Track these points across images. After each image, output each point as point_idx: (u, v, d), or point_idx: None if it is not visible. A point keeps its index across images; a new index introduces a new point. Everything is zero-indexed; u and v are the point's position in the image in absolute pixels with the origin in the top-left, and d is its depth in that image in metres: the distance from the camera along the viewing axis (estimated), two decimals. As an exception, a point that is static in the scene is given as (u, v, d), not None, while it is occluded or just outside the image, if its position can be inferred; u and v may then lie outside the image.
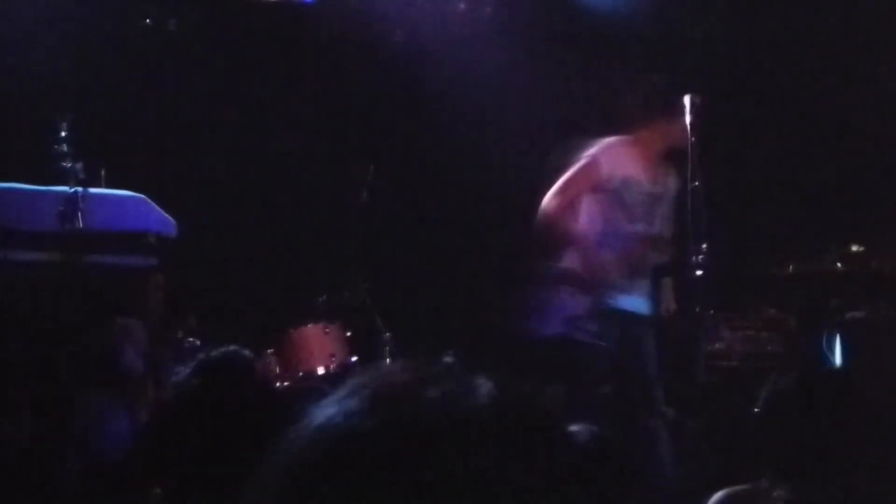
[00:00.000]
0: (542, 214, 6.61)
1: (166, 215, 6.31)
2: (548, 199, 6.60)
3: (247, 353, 3.36)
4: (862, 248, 7.54)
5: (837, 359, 6.73)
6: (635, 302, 6.55)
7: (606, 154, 6.61)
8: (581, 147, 6.66)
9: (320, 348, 7.36)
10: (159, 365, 5.62)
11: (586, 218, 6.61)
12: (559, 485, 1.09)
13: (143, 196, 6.29)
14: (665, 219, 6.65)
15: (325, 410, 1.12)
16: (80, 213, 5.73)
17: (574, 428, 2.70)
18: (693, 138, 6.36)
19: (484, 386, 1.12)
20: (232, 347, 3.39)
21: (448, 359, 1.31)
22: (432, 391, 1.10)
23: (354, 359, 7.41)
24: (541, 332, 6.62)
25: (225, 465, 2.66)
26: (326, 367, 7.28)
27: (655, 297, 6.80)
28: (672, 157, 6.60)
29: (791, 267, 7.71)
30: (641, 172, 6.61)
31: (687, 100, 6.40)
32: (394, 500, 1.03)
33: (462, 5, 8.92)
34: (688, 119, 6.38)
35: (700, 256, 6.43)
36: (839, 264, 7.50)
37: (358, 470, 1.05)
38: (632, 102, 6.71)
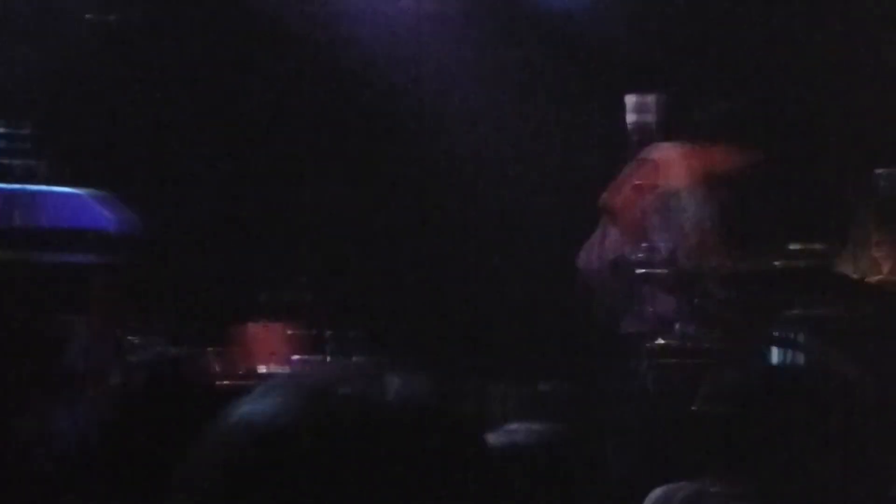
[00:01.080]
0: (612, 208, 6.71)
1: (110, 212, 6.27)
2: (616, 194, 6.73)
3: (182, 352, 3.36)
4: (803, 246, 7.61)
5: (778, 357, 6.79)
6: None
7: (666, 158, 6.81)
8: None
9: (263, 347, 7.33)
10: (101, 364, 5.58)
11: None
12: (465, 480, 1.10)
13: (86, 192, 6.24)
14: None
15: (239, 409, 1.15)
16: (20, 211, 5.67)
17: (513, 426, 2.72)
18: (657, 135, 6.42)
19: (394, 383, 1.14)
20: (164, 348, 3.39)
21: (358, 359, 1.35)
22: (343, 388, 1.12)
23: (296, 357, 7.38)
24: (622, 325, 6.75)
25: (164, 468, 2.65)
26: (270, 366, 7.25)
27: None
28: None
29: (730, 265, 7.76)
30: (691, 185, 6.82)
31: (652, 98, 6.45)
32: (305, 497, 1.05)
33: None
34: (649, 118, 6.43)
35: (644, 254, 6.49)
36: (778, 262, 7.57)
37: (273, 466, 1.07)
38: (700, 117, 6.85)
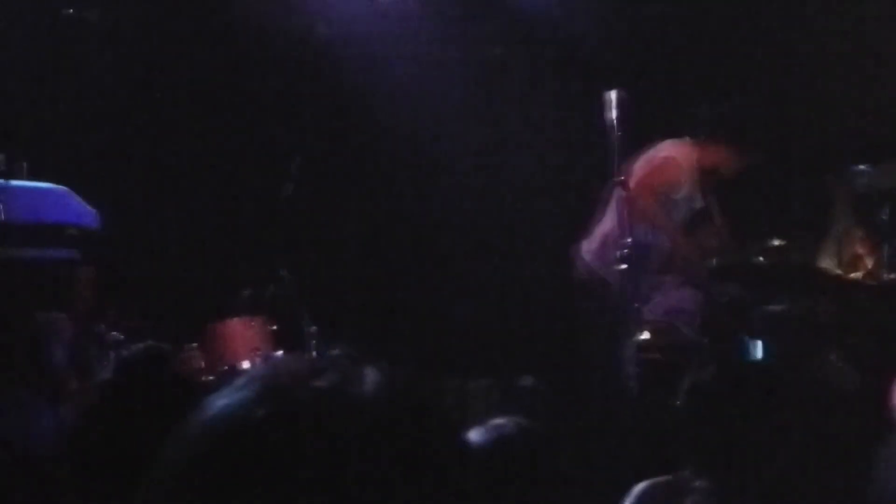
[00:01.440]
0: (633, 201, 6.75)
1: (88, 207, 6.24)
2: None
3: (165, 347, 3.35)
4: (783, 242, 7.63)
5: (758, 352, 6.81)
6: None
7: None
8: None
9: (245, 342, 7.30)
10: (84, 360, 5.56)
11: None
12: (442, 474, 1.11)
13: (64, 188, 6.21)
14: None
15: (215, 402, 1.15)
16: (0, 206, 5.65)
17: (498, 420, 2.71)
18: (619, 133, 6.43)
19: (371, 376, 1.14)
20: (150, 343, 3.38)
21: (336, 351, 1.35)
22: (320, 382, 1.12)
23: (279, 353, 7.37)
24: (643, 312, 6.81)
25: (147, 463, 2.64)
26: (251, 362, 7.23)
27: None
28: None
29: (713, 260, 7.78)
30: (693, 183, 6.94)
31: (612, 95, 6.47)
32: (283, 488, 1.05)
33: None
34: (613, 114, 6.45)
35: (624, 250, 6.50)
36: (760, 258, 7.58)
37: (248, 459, 1.07)
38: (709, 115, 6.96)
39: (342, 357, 1.19)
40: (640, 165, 7.04)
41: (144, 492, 1.14)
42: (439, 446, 1.12)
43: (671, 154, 7.08)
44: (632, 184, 6.73)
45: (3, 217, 5.67)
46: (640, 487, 3.41)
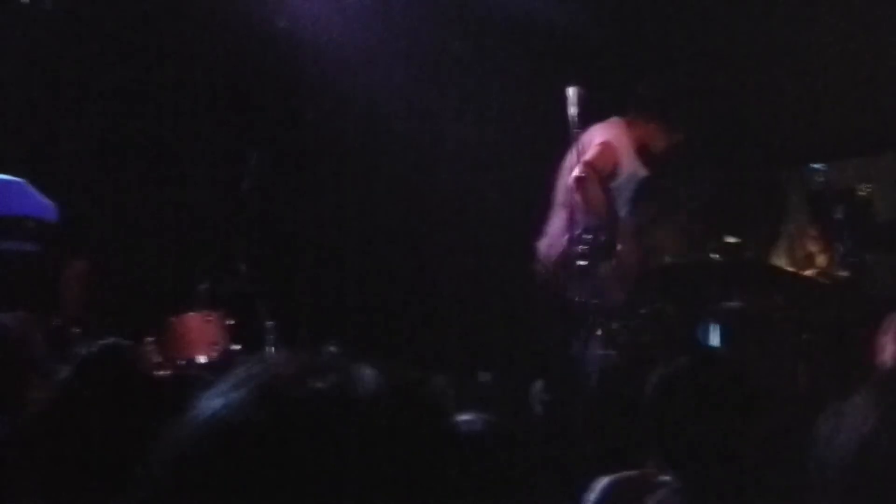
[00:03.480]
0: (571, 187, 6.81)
1: (46, 200, 6.19)
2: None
3: (126, 343, 3.32)
4: (736, 240, 7.68)
5: (713, 347, 6.86)
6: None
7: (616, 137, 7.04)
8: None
9: (202, 336, 7.28)
10: (43, 356, 5.50)
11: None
12: (443, 473, 1.09)
13: (22, 180, 6.16)
14: None
15: (210, 403, 1.11)
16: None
17: (466, 417, 2.72)
18: (577, 129, 6.46)
19: (370, 376, 1.12)
20: (111, 340, 3.34)
21: (332, 349, 1.32)
22: (318, 383, 1.10)
23: (236, 347, 7.36)
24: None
25: (111, 461, 2.63)
26: (208, 356, 7.21)
27: None
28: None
29: (667, 258, 7.83)
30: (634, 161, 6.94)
31: (571, 91, 6.49)
32: (282, 492, 1.04)
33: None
34: (572, 110, 6.47)
35: (582, 247, 6.52)
36: (714, 255, 7.63)
37: (246, 463, 1.05)
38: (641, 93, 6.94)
39: (338, 356, 1.17)
40: (576, 156, 6.96)
41: (133, 493, 1.12)
42: (440, 446, 1.11)
43: (605, 139, 6.99)
44: (572, 175, 6.78)
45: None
46: (603, 482, 3.42)
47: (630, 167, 7.02)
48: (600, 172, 6.92)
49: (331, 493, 1.04)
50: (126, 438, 2.70)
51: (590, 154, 6.86)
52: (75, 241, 6.89)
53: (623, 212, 7.01)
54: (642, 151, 7.08)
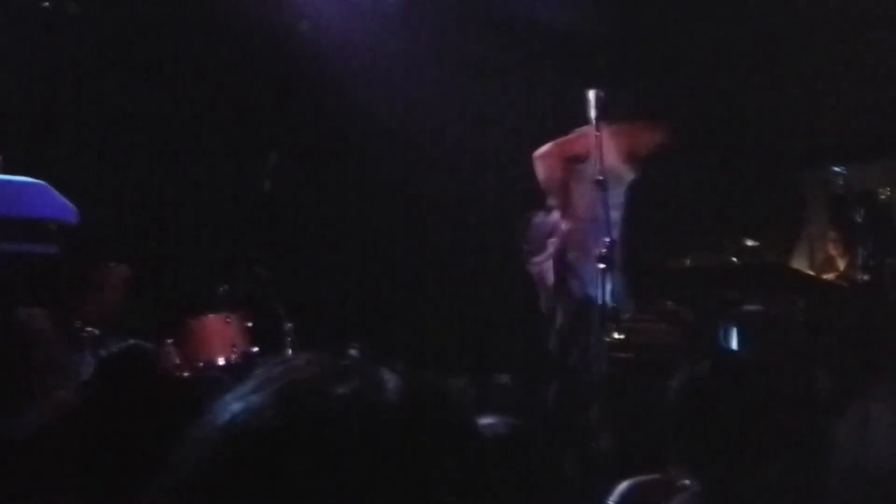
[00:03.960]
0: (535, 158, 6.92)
1: (67, 202, 6.20)
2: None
3: (148, 346, 3.32)
4: (756, 243, 7.67)
5: (733, 349, 6.83)
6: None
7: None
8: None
9: (221, 338, 7.29)
10: (67, 357, 5.51)
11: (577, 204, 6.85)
12: (465, 477, 1.08)
13: (43, 183, 6.17)
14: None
15: (231, 406, 1.10)
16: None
17: (490, 420, 2.71)
18: (597, 133, 6.44)
19: (391, 381, 1.11)
20: (132, 341, 3.35)
21: (353, 352, 1.29)
22: (341, 387, 1.08)
23: (256, 349, 7.36)
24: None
25: (133, 464, 2.63)
26: (227, 358, 7.22)
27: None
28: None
29: (688, 260, 7.82)
30: (620, 165, 6.87)
31: (590, 94, 6.49)
32: (303, 497, 1.03)
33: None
34: (592, 114, 6.46)
35: (602, 250, 6.51)
36: (734, 258, 7.62)
37: (265, 468, 1.04)
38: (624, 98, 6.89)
39: (358, 359, 1.16)
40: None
41: (153, 496, 1.11)
42: (461, 450, 1.09)
43: (586, 131, 6.97)
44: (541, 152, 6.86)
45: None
46: (624, 486, 3.41)
47: (616, 169, 6.92)
48: (566, 153, 6.93)
49: (351, 498, 1.03)
50: (146, 440, 2.70)
51: (565, 138, 6.92)
52: (96, 243, 6.90)
53: (616, 214, 6.90)
54: (629, 155, 7.01)
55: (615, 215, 6.82)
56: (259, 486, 1.03)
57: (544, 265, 6.98)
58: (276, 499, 1.03)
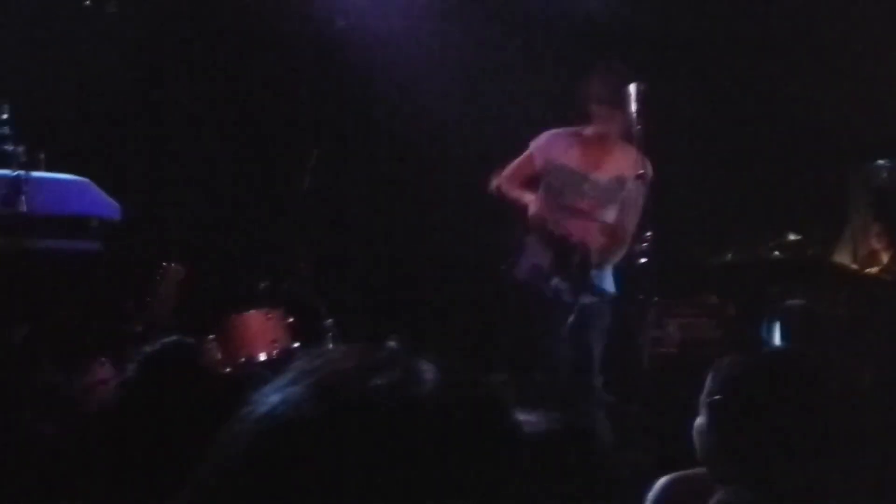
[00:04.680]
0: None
1: (110, 199, 6.24)
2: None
3: (189, 341, 3.32)
4: (799, 237, 7.63)
5: (776, 345, 6.80)
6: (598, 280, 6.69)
7: (542, 145, 6.89)
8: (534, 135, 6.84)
9: (262, 334, 7.31)
10: (110, 353, 5.55)
11: (538, 197, 6.81)
12: (504, 471, 1.08)
13: (86, 180, 6.21)
14: (625, 210, 6.73)
15: (269, 398, 1.10)
16: (23, 197, 5.65)
17: (529, 417, 2.70)
18: (638, 126, 6.41)
19: (429, 373, 1.11)
20: (173, 337, 3.35)
21: (392, 344, 1.29)
22: (378, 379, 1.08)
23: (297, 345, 7.37)
24: (514, 275, 6.77)
25: (172, 459, 2.64)
26: (268, 354, 7.23)
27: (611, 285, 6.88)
28: (649, 150, 6.65)
29: (730, 255, 7.79)
30: (585, 162, 6.73)
31: (632, 88, 6.45)
32: (340, 488, 1.02)
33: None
34: (633, 107, 6.43)
35: (644, 244, 6.48)
36: (777, 252, 7.58)
37: (305, 458, 1.04)
38: (585, 91, 6.80)
39: (397, 351, 1.15)
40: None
41: (191, 490, 1.11)
42: (502, 444, 1.09)
43: (531, 152, 6.97)
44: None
45: (25, 208, 5.66)
46: (663, 481, 3.39)
47: (567, 166, 6.84)
48: (514, 177, 6.91)
49: (389, 490, 1.02)
50: (186, 436, 2.72)
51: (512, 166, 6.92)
52: (140, 240, 6.94)
53: (610, 213, 6.82)
54: (604, 149, 6.88)
55: (611, 214, 6.74)
56: (297, 477, 1.04)
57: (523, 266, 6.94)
58: (314, 490, 1.03)
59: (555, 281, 6.63)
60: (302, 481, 1.03)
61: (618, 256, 6.79)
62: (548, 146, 6.89)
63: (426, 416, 1.07)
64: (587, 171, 6.77)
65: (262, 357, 7.22)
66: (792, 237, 7.63)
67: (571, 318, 6.55)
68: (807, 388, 2.93)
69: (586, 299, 6.60)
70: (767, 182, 8.40)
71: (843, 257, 7.79)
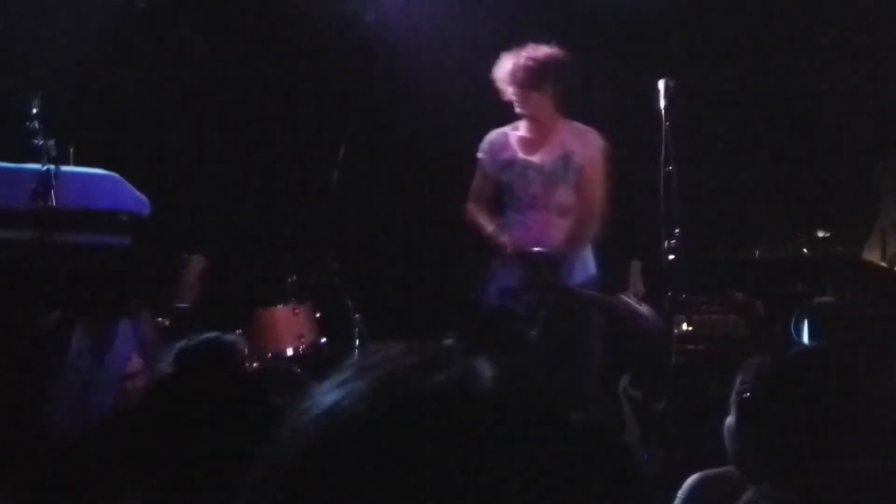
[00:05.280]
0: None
1: (139, 194, 6.26)
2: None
3: (230, 338, 3.33)
4: (828, 234, 7.60)
5: (806, 343, 6.77)
6: (571, 274, 6.65)
7: (486, 149, 6.98)
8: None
9: (290, 329, 7.32)
10: (145, 347, 5.58)
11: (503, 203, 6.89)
12: (565, 469, 1.09)
13: (116, 174, 6.23)
14: (580, 186, 6.70)
15: (329, 395, 1.11)
16: (53, 191, 5.67)
17: (580, 414, 2.70)
18: (667, 122, 6.40)
19: (488, 370, 1.12)
20: (213, 334, 3.36)
21: (449, 341, 1.31)
22: (440, 376, 1.10)
23: (324, 340, 7.39)
24: (484, 302, 6.79)
25: (213, 454, 2.65)
26: (296, 349, 7.25)
27: (593, 268, 6.84)
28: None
29: (758, 252, 7.76)
30: (526, 150, 6.76)
31: (661, 84, 6.45)
32: (403, 485, 1.03)
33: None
34: (661, 103, 6.42)
35: (672, 241, 6.46)
36: (806, 249, 7.55)
37: (367, 455, 1.05)
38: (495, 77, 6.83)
39: (454, 349, 1.16)
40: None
41: (248, 486, 1.12)
42: (561, 441, 1.10)
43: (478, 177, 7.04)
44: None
45: (55, 203, 5.68)
46: (692, 480, 3.39)
47: (511, 159, 6.84)
48: (477, 197, 6.95)
49: (451, 486, 1.03)
50: (224, 432, 2.73)
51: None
52: (168, 234, 6.97)
53: (562, 193, 6.79)
54: (540, 133, 6.85)
55: (563, 194, 6.72)
56: (361, 472, 1.05)
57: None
58: (376, 485, 1.04)
59: (525, 298, 6.61)
60: (365, 477, 1.04)
61: (589, 233, 6.74)
62: (491, 148, 6.94)
63: (488, 413, 1.08)
64: (529, 158, 6.79)
65: (290, 352, 7.23)
66: (821, 234, 7.59)
67: (554, 323, 6.52)
68: (836, 387, 2.92)
69: (565, 302, 6.58)
70: (796, 179, 8.36)
71: (872, 254, 7.74)
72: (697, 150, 8.09)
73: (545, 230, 6.66)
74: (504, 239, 6.75)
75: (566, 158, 6.72)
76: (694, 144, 7.87)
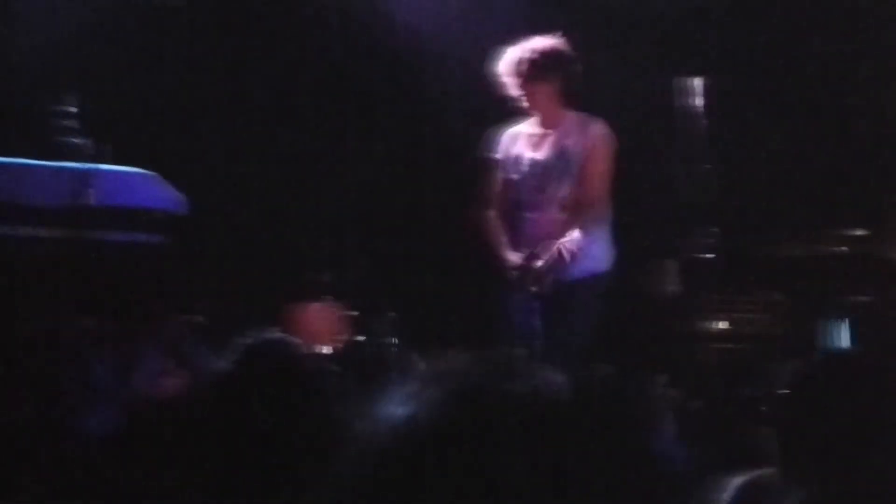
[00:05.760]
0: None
1: (175, 192, 6.28)
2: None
3: (294, 339, 3.33)
4: (866, 232, 7.55)
5: (843, 343, 6.74)
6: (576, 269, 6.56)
7: (499, 147, 6.84)
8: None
9: (324, 327, 7.34)
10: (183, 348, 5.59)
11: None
12: (637, 469, 1.11)
13: (152, 172, 6.26)
14: (581, 178, 6.61)
15: (403, 407, 1.12)
16: (90, 189, 5.70)
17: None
18: (704, 120, 6.38)
19: (558, 378, 1.13)
20: (279, 334, 3.37)
21: (520, 351, 1.32)
22: (514, 385, 1.11)
23: (359, 338, 7.40)
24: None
25: (280, 454, 2.65)
26: (332, 347, 7.27)
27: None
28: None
29: (794, 251, 7.72)
30: (530, 146, 6.70)
31: (697, 81, 6.43)
32: (482, 490, 1.05)
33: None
34: (698, 101, 6.41)
35: (708, 239, 6.44)
36: (843, 248, 7.51)
37: (448, 462, 1.06)
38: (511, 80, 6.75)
39: (525, 358, 1.17)
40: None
41: (328, 492, 1.13)
42: (637, 447, 1.13)
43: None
44: None
45: (92, 201, 5.71)
46: (739, 481, 3.36)
47: (517, 154, 6.79)
48: (492, 199, 6.83)
49: (528, 492, 1.05)
50: (285, 431, 2.73)
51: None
52: (204, 233, 6.99)
53: (563, 187, 6.74)
54: (541, 126, 6.80)
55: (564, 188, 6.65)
56: (440, 480, 1.07)
57: None
58: (455, 492, 1.06)
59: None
60: (445, 483, 1.06)
61: (592, 227, 6.54)
62: (503, 144, 6.83)
63: (564, 420, 1.10)
64: (533, 154, 6.70)
65: (325, 350, 7.25)
66: (858, 232, 7.55)
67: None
68: (874, 389, 2.91)
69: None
70: (833, 176, 8.31)
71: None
72: (735, 147, 8.05)
73: (547, 226, 6.56)
74: (510, 261, 6.66)
75: (563, 153, 6.61)
76: (731, 142, 7.84)
